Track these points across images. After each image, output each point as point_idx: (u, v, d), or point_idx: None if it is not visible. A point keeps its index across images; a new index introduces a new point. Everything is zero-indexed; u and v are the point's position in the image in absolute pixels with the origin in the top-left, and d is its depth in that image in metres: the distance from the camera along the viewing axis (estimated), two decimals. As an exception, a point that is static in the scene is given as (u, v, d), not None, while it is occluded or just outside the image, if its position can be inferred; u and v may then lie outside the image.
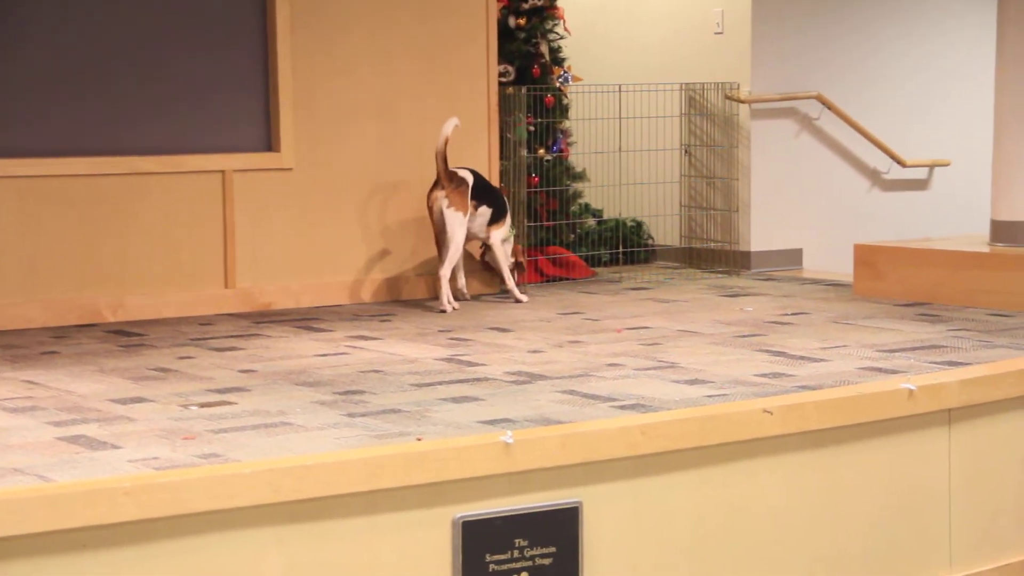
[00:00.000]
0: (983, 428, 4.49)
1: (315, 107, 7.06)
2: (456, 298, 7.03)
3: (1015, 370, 4.59)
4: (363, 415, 4.39)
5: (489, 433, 3.89)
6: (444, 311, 6.83)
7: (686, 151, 8.78)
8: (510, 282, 7.22)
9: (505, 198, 7.33)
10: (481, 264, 7.49)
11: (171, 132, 6.75)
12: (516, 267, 7.34)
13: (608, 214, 8.86)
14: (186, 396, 4.72)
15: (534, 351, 5.65)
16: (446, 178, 6.86)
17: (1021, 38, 6.71)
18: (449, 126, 6.84)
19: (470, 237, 7.07)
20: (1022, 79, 6.72)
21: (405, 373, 5.16)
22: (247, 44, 6.93)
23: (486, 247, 7.29)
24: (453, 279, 7.10)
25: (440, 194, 6.87)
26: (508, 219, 7.25)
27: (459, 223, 6.85)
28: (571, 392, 4.74)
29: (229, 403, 4.60)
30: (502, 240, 7.21)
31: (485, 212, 7.07)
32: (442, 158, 6.82)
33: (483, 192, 7.05)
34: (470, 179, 6.97)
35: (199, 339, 6.01)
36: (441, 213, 6.86)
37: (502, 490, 3.70)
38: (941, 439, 4.40)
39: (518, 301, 7.16)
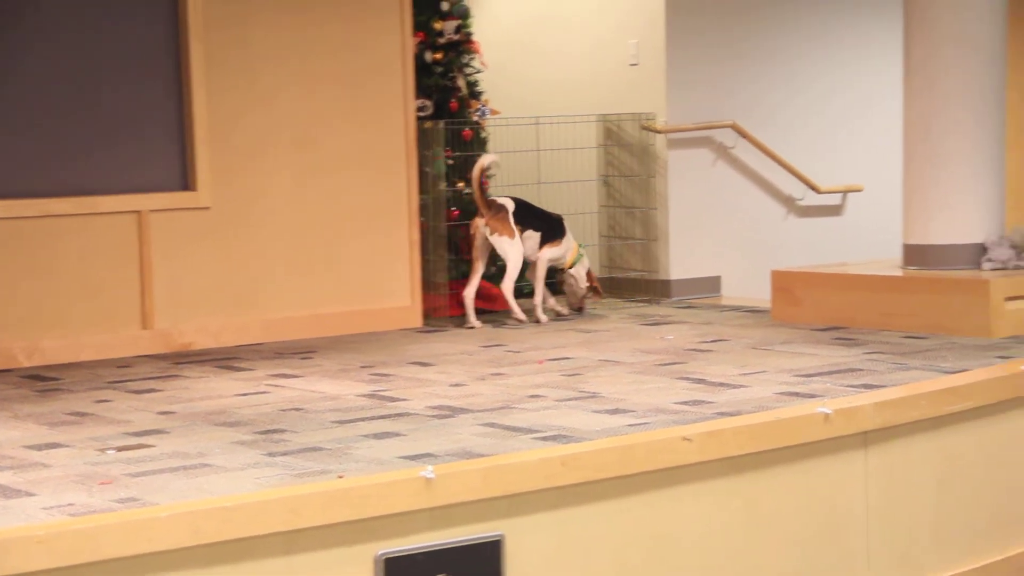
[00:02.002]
0: (898, 449, 4.55)
1: (232, 144, 7.03)
2: (546, 314, 7.63)
3: (928, 392, 4.66)
4: (284, 454, 4.36)
5: (410, 468, 3.89)
6: (522, 320, 7.45)
7: (605, 182, 8.85)
8: (540, 300, 7.65)
9: (560, 223, 7.69)
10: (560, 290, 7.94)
11: (85, 173, 6.69)
12: (591, 291, 7.77)
13: (529, 245, 8.88)
14: (103, 440, 4.66)
15: (456, 384, 5.65)
16: (484, 206, 7.44)
17: (928, 66, 6.82)
18: (487, 159, 7.46)
19: (524, 259, 7.56)
20: (929, 105, 6.82)
21: (326, 410, 5.14)
22: (161, 83, 6.90)
23: (562, 273, 7.78)
24: (544, 299, 7.69)
25: (480, 222, 7.46)
26: (566, 242, 7.67)
27: (509, 245, 7.43)
28: (493, 425, 4.74)
29: (147, 446, 4.56)
30: (556, 259, 7.67)
31: (533, 236, 7.57)
32: (477, 188, 7.38)
33: (528, 217, 7.55)
34: (511, 205, 7.49)
35: (117, 382, 5.94)
36: (485, 240, 7.45)
37: (424, 525, 3.70)
38: (858, 461, 4.45)
39: (537, 321, 7.57)
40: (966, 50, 6.72)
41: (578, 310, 7.84)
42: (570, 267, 7.75)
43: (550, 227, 7.67)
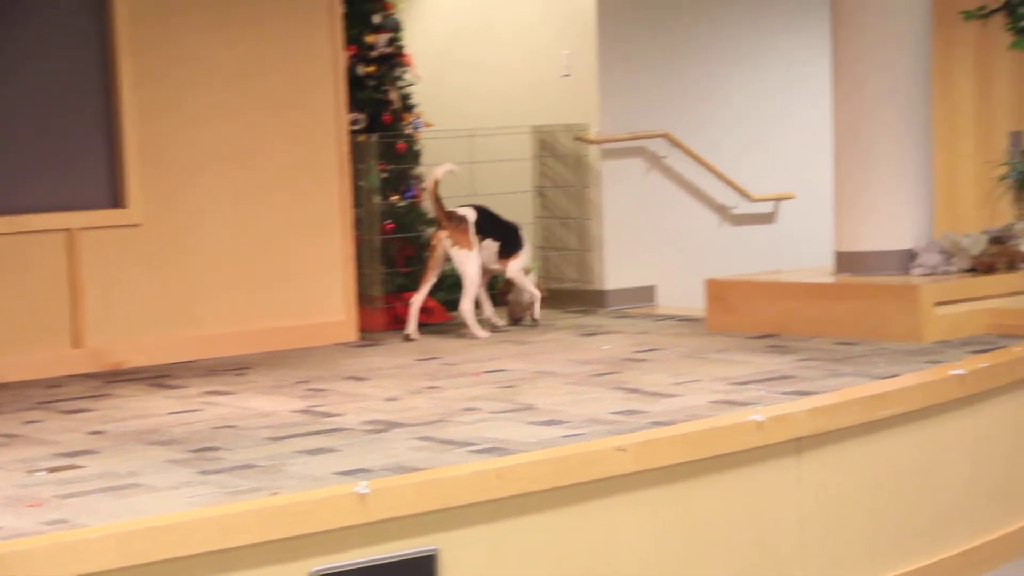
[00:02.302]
0: (831, 455, 4.58)
1: (164, 161, 6.98)
2: (488, 328, 7.54)
3: (859, 397, 4.70)
4: (217, 472, 4.33)
5: (344, 484, 3.87)
6: (480, 338, 7.30)
7: (539, 193, 8.86)
8: (533, 309, 7.73)
9: (519, 234, 7.69)
10: (503, 300, 7.90)
11: (14, 192, 6.61)
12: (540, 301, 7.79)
13: (464, 258, 8.88)
14: (32, 462, 4.60)
15: (391, 399, 5.63)
16: (445, 218, 7.39)
17: (856, 70, 6.88)
18: (441, 170, 7.38)
19: (483, 270, 7.55)
20: (858, 110, 6.88)
21: (260, 427, 5.11)
22: (91, 101, 6.84)
23: (508, 285, 7.78)
24: (479, 309, 7.64)
25: (443, 235, 7.39)
26: (525, 252, 7.70)
27: (467, 259, 7.38)
28: (428, 439, 4.72)
29: (77, 467, 4.50)
30: (526, 267, 7.70)
31: (491, 245, 7.56)
32: (434, 200, 7.33)
33: (489, 226, 7.52)
34: (472, 216, 7.44)
35: (46, 402, 5.87)
36: (445, 253, 7.39)
37: (358, 541, 3.68)
38: (791, 468, 4.48)
39: (530, 322, 7.75)
40: (893, 54, 6.79)
41: (516, 321, 7.84)
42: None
43: (509, 237, 7.68)
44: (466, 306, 7.37)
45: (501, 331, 7.62)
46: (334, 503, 3.66)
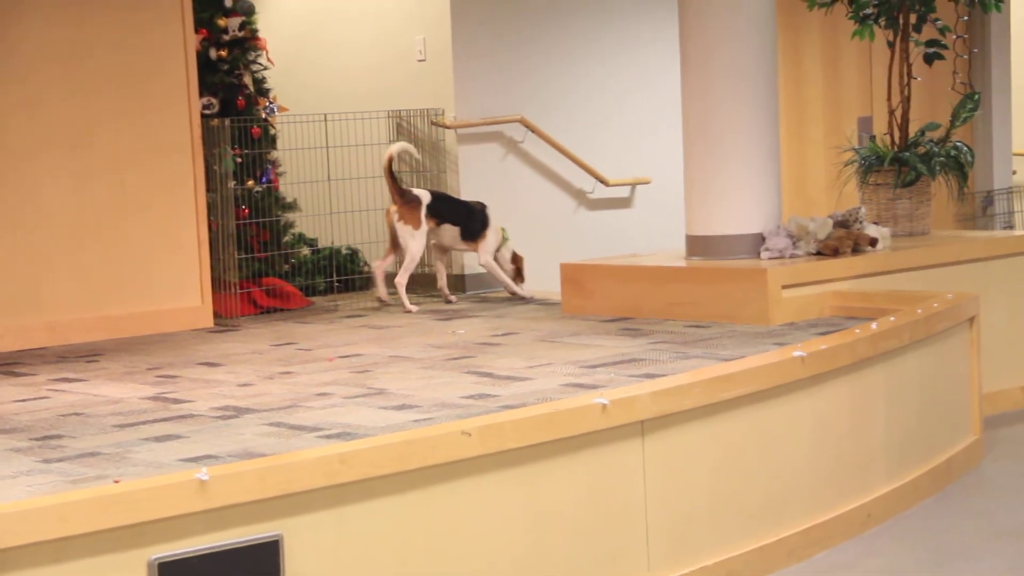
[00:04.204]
0: (675, 437, 4.65)
1: (3, 146, 6.82)
2: (445, 301, 8.08)
3: (703, 380, 4.78)
4: (60, 460, 4.27)
5: (184, 471, 3.84)
6: (410, 311, 7.69)
7: (396, 178, 8.84)
8: (512, 287, 8.12)
9: (483, 214, 8.01)
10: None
11: None
12: (517, 271, 8.17)
13: (323, 243, 8.85)
14: None
15: (244, 384, 5.60)
16: (396, 195, 7.80)
17: (704, 66, 6.98)
18: (394, 148, 7.84)
19: (445, 249, 8.12)
20: (707, 103, 6.99)
21: (108, 414, 5.04)
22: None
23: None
24: (434, 282, 8.24)
25: (392, 209, 7.82)
26: (492, 232, 8.02)
27: (410, 235, 7.78)
28: (278, 424, 4.71)
29: (-86, 457, 4.41)
30: (494, 251, 8.05)
31: (451, 229, 7.99)
32: (387, 176, 7.74)
33: (445, 210, 7.91)
34: (426, 198, 7.85)
35: None
36: (393, 227, 7.80)
37: (199, 528, 3.66)
38: (635, 450, 4.54)
39: (523, 299, 8.07)
40: (740, 49, 6.91)
41: (513, 295, 8.13)
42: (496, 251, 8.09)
43: (471, 219, 7.97)
44: (401, 279, 7.78)
45: (452, 305, 7.99)
46: (174, 490, 3.63)
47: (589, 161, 9.22)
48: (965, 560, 5.02)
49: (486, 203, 8.11)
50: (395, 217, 7.81)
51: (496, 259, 8.11)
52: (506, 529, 4.26)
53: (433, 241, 8.11)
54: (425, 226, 7.84)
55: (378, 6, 9.06)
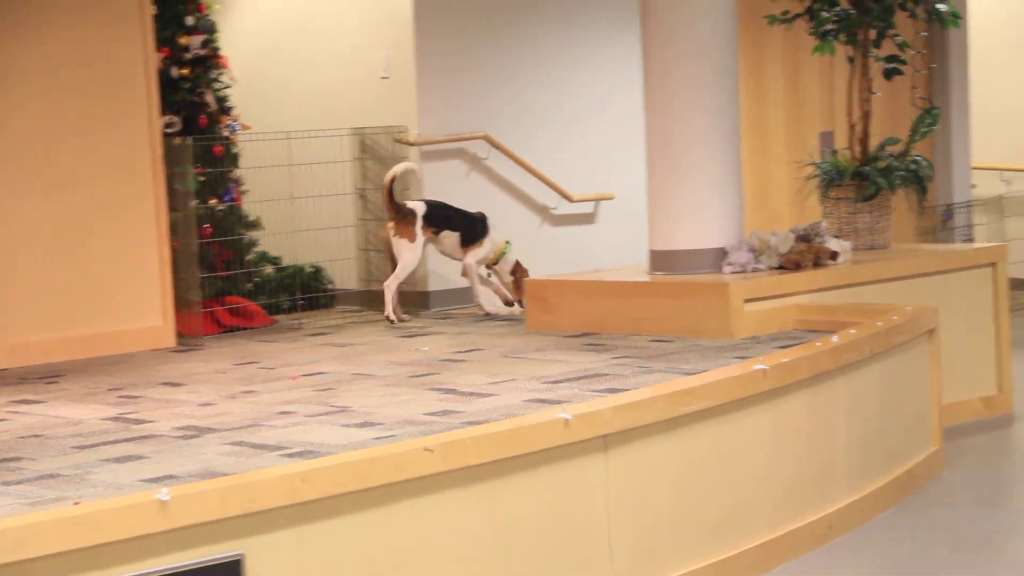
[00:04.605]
0: (637, 451, 4.66)
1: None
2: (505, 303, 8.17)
3: (665, 394, 4.79)
4: (18, 483, 4.24)
5: (144, 492, 3.82)
6: (392, 322, 7.83)
7: (360, 195, 8.85)
8: (505, 293, 8.16)
9: (482, 222, 8.08)
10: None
11: None
12: (516, 284, 8.15)
13: (287, 261, 8.85)
14: None
15: (205, 404, 5.58)
16: (392, 210, 7.89)
17: (666, 82, 7.01)
18: (398, 168, 7.93)
19: (448, 258, 8.17)
20: (669, 119, 7.01)
21: (67, 436, 5.02)
22: None
23: (491, 270, 8.24)
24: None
25: (389, 225, 7.93)
26: (489, 241, 8.08)
27: (404, 247, 7.89)
28: (240, 443, 4.69)
29: None
30: (483, 259, 8.11)
31: (450, 236, 8.03)
32: (386, 194, 7.85)
33: (444, 218, 7.97)
34: (421, 209, 7.93)
35: None
36: (390, 242, 7.93)
37: (160, 549, 3.64)
38: (598, 465, 4.55)
39: (488, 314, 8.12)
40: (702, 65, 6.94)
41: (509, 303, 8.16)
42: (495, 263, 8.10)
43: (470, 226, 8.01)
44: (390, 284, 7.88)
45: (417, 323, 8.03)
46: (135, 511, 3.61)
47: (553, 177, 9.25)
48: (926, 571, 5.05)
49: (487, 214, 8.16)
50: (391, 232, 7.91)
51: (495, 271, 8.15)
52: (469, 545, 4.26)
53: (440, 250, 8.21)
54: (421, 238, 7.92)
55: (341, 23, 9.07)
